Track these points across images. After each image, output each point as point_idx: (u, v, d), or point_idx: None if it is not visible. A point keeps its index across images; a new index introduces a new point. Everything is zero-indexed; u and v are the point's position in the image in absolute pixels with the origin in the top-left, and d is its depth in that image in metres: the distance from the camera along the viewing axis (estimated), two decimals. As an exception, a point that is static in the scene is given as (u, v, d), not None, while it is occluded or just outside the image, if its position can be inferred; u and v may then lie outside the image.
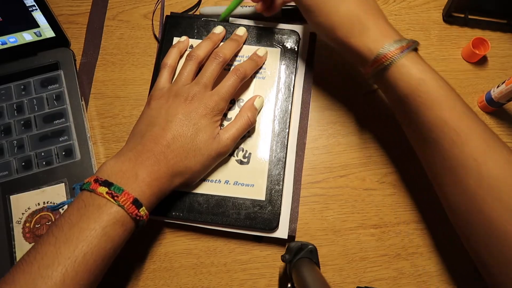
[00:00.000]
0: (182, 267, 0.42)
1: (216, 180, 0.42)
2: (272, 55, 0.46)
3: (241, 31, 0.45)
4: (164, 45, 0.46)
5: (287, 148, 0.43)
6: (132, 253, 0.42)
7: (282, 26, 0.48)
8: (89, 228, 0.31)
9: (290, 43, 0.46)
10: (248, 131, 0.43)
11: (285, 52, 0.46)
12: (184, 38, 0.46)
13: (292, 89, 0.45)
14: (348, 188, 0.45)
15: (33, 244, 0.40)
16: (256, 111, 0.43)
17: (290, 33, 0.46)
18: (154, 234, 0.43)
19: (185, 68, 0.41)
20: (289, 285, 0.36)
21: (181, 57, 0.45)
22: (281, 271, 0.42)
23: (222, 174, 0.42)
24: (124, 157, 0.35)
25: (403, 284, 0.42)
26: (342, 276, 0.42)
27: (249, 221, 0.41)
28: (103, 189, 0.32)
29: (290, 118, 0.44)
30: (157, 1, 0.51)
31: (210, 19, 0.47)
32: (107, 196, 0.32)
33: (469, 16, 0.51)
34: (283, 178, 0.42)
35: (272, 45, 0.46)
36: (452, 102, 0.35)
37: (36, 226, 0.41)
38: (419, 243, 0.44)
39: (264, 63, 0.45)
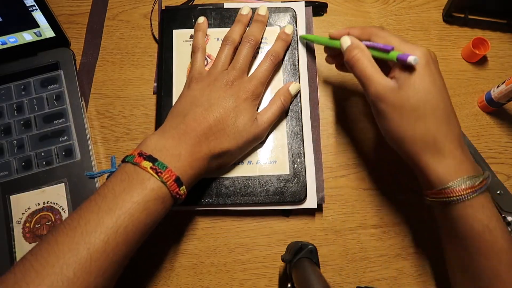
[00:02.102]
0: (182, 267, 0.42)
1: (239, 162, 0.43)
2: (272, 34, 0.47)
3: (263, 11, 0.46)
4: (164, 40, 0.47)
5: (302, 121, 0.44)
6: (132, 253, 0.42)
7: (277, 4, 0.48)
8: (131, 201, 0.31)
9: (287, 20, 0.47)
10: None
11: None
12: (202, 19, 0.46)
13: (297, 64, 0.46)
14: (348, 188, 0.45)
15: (33, 244, 0.40)
16: (291, 97, 0.44)
17: (286, 10, 0.47)
18: (154, 232, 0.43)
19: (222, 52, 0.42)
20: (289, 285, 0.36)
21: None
22: (281, 271, 0.42)
23: (244, 155, 0.43)
24: (168, 134, 0.36)
25: (403, 284, 0.42)
26: (342, 276, 0.42)
27: (278, 196, 0.42)
28: (147, 164, 0.33)
29: (300, 92, 0.45)
30: (154, 1, 0.51)
31: (205, 7, 0.48)
32: (151, 171, 0.32)
33: (469, 16, 0.51)
34: (303, 150, 0.43)
35: (270, 24, 0.47)
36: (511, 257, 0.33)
37: (36, 226, 0.41)
38: (419, 243, 0.44)
39: (292, 39, 0.46)
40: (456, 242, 0.36)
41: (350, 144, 0.47)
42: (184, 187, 0.34)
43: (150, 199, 0.32)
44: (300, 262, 0.36)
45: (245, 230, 0.44)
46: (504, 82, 0.44)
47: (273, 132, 0.44)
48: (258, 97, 0.42)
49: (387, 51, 0.35)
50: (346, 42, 0.38)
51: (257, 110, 0.42)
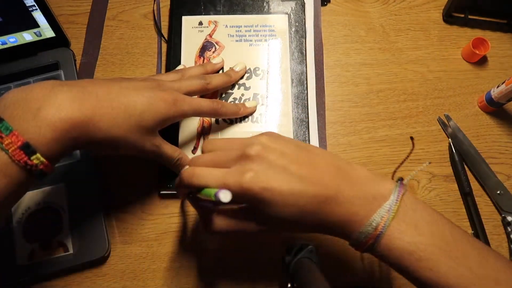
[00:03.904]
0: (182, 267, 0.42)
1: None
2: (281, 22, 0.48)
3: (238, 67, 0.45)
4: (174, 24, 0.48)
5: (308, 108, 0.45)
6: (132, 253, 0.42)
7: None
8: None
9: (296, 9, 0.48)
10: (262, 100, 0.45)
11: (292, 18, 0.48)
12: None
13: (304, 52, 0.47)
14: (348, 188, 0.45)
15: (32, 244, 0.40)
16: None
17: None
18: (154, 232, 0.43)
19: (169, 74, 0.40)
20: (289, 285, 0.36)
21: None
22: (281, 271, 0.42)
23: None
24: (44, 84, 0.28)
25: (403, 284, 0.42)
26: (342, 276, 0.42)
27: None
28: None
29: (306, 80, 0.46)
30: (154, 1, 0.51)
31: None
32: None
33: (469, 16, 0.51)
34: (309, 138, 0.44)
35: (279, 12, 0.48)
36: (442, 259, 0.28)
37: (37, 226, 0.41)
38: (419, 243, 0.44)
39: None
40: (398, 271, 0.31)
41: (350, 144, 0.47)
42: (38, 155, 0.27)
43: None
44: (300, 262, 0.36)
45: (245, 230, 0.43)
46: (504, 82, 0.44)
47: (279, 119, 0.45)
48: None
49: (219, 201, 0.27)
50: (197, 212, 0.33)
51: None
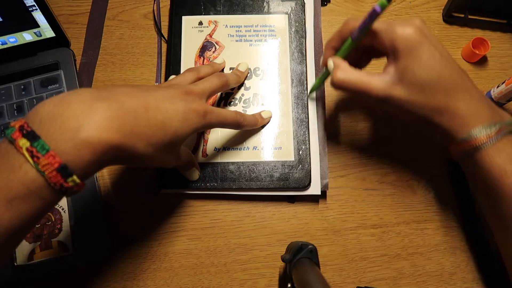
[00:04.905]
0: (182, 267, 0.42)
1: (244, 147, 0.44)
2: (280, 22, 0.48)
3: (242, 67, 0.46)
4: (174, 24, 0.48)
5: (308, 108, 0.45)
6: (132, 253, 0.42)
7: None
8: None
9: (296, 9, 0.48)
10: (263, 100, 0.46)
11: (292, 18, 0.48)
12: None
13: (304, 52, 0.47)
14: (348, 188, 0.45)
15: (32, 244, 0.40)
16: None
17: None
18: (154, 232, 0.43)
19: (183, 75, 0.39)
20: (289, 285, 0.36)
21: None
22: (281, 271, 0.42)
23: (249, 141, 0.44)
24: (81, 97, 0.26)
25: (403, 284, 0.42)
26: (342, 276, 0.42)
27: (283, 182, 0.42)
28: (24, 143, 0.24)
29: (306, 80, 0.46)
30: (154, 1, 0.51)
31: None
32: (26, 154, 0.24)
33: (469, 16, 0.51)
34: (308, 138, 0.44)
35: (279, 12, 0.48)
36: None
37: (36, 226, 0.41)
38: (419, 243, 0.44)
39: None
40: (482, 193, 0.36)
41: (350, 144, 0.47)
42: (74, 177, 0.25)
43: (18, 195, 0.24)
44: (300, 262, 0.36)
45: (245, 230, 0.44)
46: (504, 82, 0.44)
47: (278, 119, 0.45)
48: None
49: (375, 12, 0.32)
50: (330, 66, 0.37)
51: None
